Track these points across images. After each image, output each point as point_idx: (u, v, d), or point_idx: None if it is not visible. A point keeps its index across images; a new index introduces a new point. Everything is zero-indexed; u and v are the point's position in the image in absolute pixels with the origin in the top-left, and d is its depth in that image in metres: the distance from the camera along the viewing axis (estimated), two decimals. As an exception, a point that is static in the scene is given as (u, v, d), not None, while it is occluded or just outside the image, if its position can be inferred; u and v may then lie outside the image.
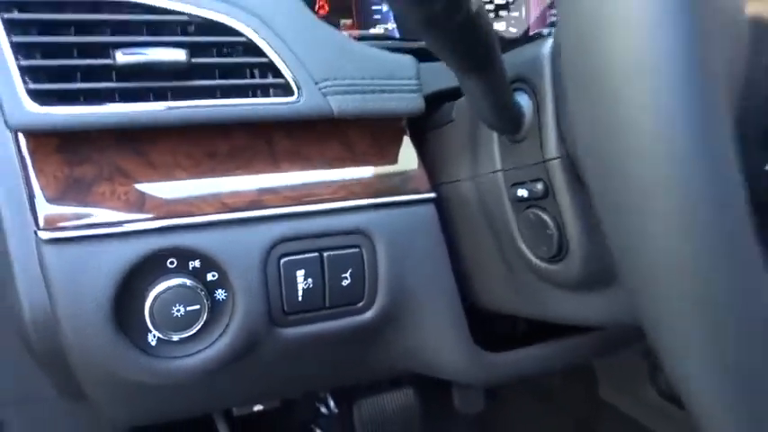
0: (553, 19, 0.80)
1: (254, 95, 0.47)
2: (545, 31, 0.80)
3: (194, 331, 0.44)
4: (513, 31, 0.77)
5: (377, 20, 0.69)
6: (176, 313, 0.43)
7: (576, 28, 0.24)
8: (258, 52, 0.47)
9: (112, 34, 0.44)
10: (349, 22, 0.68)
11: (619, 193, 0.23)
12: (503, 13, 0.76)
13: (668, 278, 0.22)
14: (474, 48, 0.36)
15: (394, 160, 0.54)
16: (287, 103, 0.48)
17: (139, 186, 0.45)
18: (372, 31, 0.69)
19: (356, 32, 0.68)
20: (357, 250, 0.50)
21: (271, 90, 0.48)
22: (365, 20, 0.69)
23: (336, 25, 0.67)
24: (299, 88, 0.48)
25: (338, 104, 0.49)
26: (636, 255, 0.23)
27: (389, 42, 0.64)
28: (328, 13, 0.67)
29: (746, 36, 0.28)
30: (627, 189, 0.23)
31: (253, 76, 0.48)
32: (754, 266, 0.22)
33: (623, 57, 0.22)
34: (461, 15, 0.34)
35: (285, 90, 0.48)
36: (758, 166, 0.29)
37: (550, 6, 0.80)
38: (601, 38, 0.23)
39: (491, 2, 0.75)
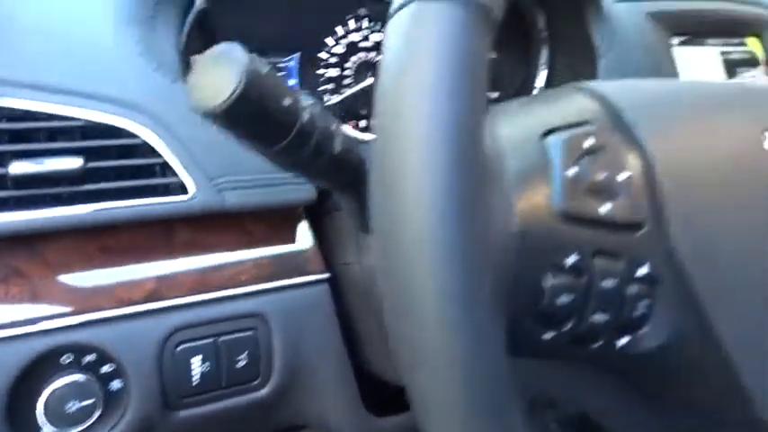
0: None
1: (152, 195, 0.50)
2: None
3: (88, 425, 0.47)
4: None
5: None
6: (70, 409, 0.46)
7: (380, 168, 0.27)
8: (154, 153, 0.50)
9: (9, 142, 0.46)
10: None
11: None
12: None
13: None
14: (340, 178, 0.40)
15: (291, 244, 0.58)
16: (182, 201, 0.51)
17: (34, 285, 0.47)
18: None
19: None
20: (253, 333, 0.54)
21: (168, 188, 0.51)
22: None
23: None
24: (194, 186, 0.51)
25: (234, 199, 0.52)
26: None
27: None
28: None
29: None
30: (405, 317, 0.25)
31: (151, 176, 0.51)
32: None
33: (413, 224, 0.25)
34: (326, 156, 0.38)
35: (181, 188, 0.51)
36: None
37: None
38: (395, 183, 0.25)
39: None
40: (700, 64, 0.91)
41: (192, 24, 0.58)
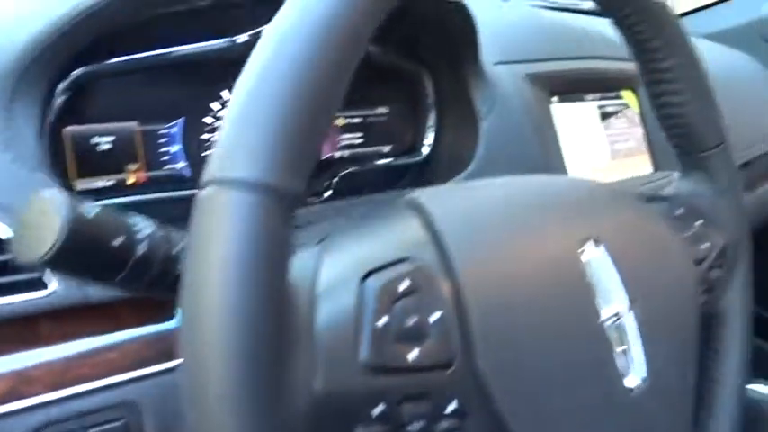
0: (344, 142, 0.89)
1: (11, 292, 0.49)
2: (337, 154, 0.88)
3: None
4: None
5: (166, 161, 0.73)
6: None
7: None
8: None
9: None
10: (136, 165, 0.70)
11: None
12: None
13: None
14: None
15: (160, 326, 0.58)
16: (43, 297, 0.50)
17: None
18: (162, 171, 0.73)
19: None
20: (123, 423, 0.54)
21: (29, 284, 0.50)
22: (154, 161, 0.72)
23: (121, 170, 0.69)
24: (55, 282, 0.50)
25: (98, 293, 0.52)
26: None
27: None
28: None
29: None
30: None
31: (10, 273, 0.50)
32: None
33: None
34: (173, 277, 0.39)
35: (42, 283, 0.50)
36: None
37: (340, 132, 0.88)
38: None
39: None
40: (578, 119, 0.97)
41: (58, 108, 0.57)
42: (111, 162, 0.69)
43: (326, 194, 0.80)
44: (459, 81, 0.83)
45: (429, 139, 0.90)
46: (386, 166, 0.88)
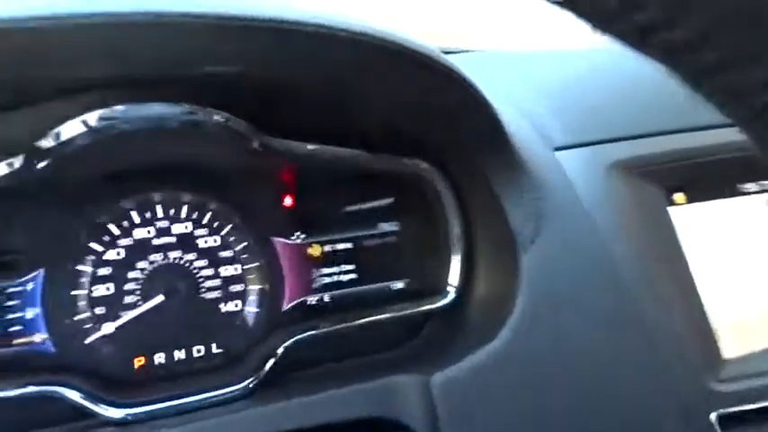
0: (325, 281, 0.59)
1: None
2: (311, 299, 0.59)
3: None
4: (254, 310, 0.55)
5: (21, 331, 0.50)
6: None
7: None
8: None
9: None
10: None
11: None
12: (235, 287, 0.55)
13: None
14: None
15: None
16: None
17: None
18: (18, 341, 0.50)
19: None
20: None
21: None
22: (5, 331, 0.49)
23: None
24: None
25: None
26: None
27: None
28: None
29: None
30: None
31: None
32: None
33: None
34: None
35: None
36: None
37: (317, 266, 0.58)
38: None
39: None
40: (726, 227, 0.57)
41: None
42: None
43: (263, 371, 0.51)
44: (485, 185, 0.50)
45: (454, 272, 0.56)
46: (384, 322, 0.56)
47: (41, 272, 0.49)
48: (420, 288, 0.60)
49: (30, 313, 0.49)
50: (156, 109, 0.40)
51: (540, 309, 0.48)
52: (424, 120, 0.50)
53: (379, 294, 0.59)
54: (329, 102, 0.47)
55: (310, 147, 0.49)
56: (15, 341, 0.49)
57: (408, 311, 0.57)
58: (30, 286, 0.49)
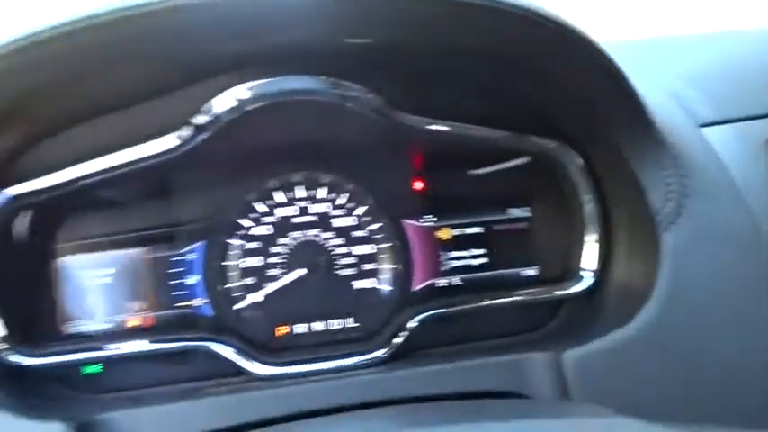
0: (453, 264, 0.59)
1: None
2: (440, 282, 0.60)
3: None
4: (387, 288, 0.57)
5: (182, 296, 0.55)
6: None
7: None
8: None
9: None
10: (139, 304, 0.55)
11: None
12: (368, 265, 0.58)
13: None
14: None
15: None
16: None
17: None
18: (179, 304, 0.56)
19: None
20: None
21: None
22: (168, 295, 0.56)
23: (120, 310, 0.54)
24: None
25: None
26: None
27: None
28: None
29: None
30: None
31: None
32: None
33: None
34: None
35: None
36: None
37: (445, 249, 0.59)
38: None
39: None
40: None
41: None
42: (107, 300, 0.55)
43: (391, 347, 0.52)
44: (621, 162, 0.48)
45: (590, 256, 0.54)
46: (519, 304, 0.56)
47: (202, 244, 0.56)
48: (552, 273, 0.59)
49: (191, 280, 0.56)
50: (303, 83, 0.44)
51: (680, 292, 0.45)
52: (562, 95, 0.49)
53: (510, 279, 0.59)
54: (471, 77, 0.48)
55: (444, 125, 0.50)
56: (176, 304, 0.55)
57: (541, 297, 0.56)
58: (191, 256, 0.56)
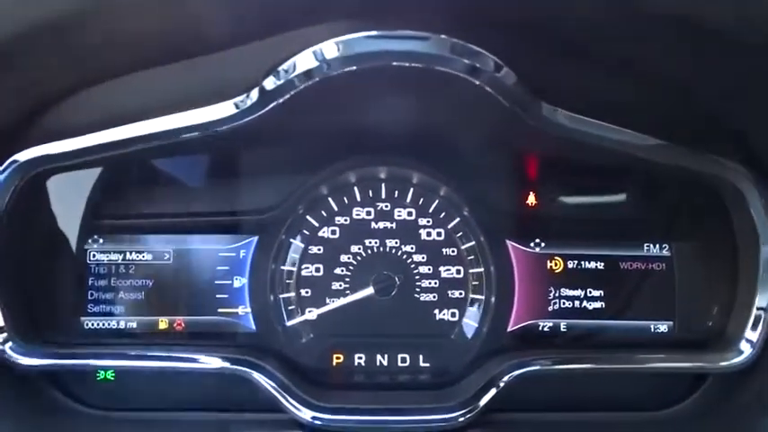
0: (564, 304, 0.46)
1: None
2: (544, 324, 0.46)
3: None
4: (474, 324, 0.45)
5: (226, 300, 0.45)
6: None
7: None
8: None
9: None
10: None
11: None
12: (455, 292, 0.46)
13: None
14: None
15: None
16: None
17: None
18: (222, 310, 0.46)
19: None
20: None
21: None
22: (213, 297, 0.45)
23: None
24: None
25: None
26: None
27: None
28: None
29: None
30: None
31: None
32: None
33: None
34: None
35: None
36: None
37: (556, 284, 0.46)
38: None
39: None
40: None
41: None
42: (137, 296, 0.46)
43: (481, 403, 0.40)
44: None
45: (752, 320, 0.40)
46: (649, 372, 0.42)
47: (255, 240, 0.45)
48: (691, 334, 0.45)
49: (237, 282, 0.46)
50: (419, 45, 0.32)
51: None
52: (745, 108, 0.36)
53: (634, 334, 0.46)
54: (654, 67, 0.36)
55: (599, 130, 0.38)
56: (220, 309, 0.46)
57: (682, 366, 0.43)
58: (241, 253, 0.46)
